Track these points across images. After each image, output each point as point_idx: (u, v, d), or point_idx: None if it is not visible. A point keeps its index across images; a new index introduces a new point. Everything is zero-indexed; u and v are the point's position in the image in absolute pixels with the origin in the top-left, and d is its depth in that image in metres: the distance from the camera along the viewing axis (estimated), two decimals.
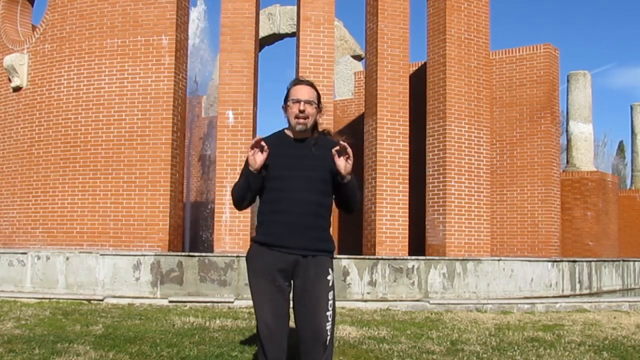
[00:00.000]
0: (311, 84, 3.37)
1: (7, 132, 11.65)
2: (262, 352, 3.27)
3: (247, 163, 3.30)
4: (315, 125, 3.38)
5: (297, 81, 3.39)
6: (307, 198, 3.24)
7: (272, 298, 3.25)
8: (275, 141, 3.35)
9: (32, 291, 8.91)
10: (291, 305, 3.34)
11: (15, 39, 12.05)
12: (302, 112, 3.27)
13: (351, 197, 3.33)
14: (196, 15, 15.02)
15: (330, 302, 3.26)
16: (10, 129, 11.60)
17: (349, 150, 3.15)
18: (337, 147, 3.15)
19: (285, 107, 3.34)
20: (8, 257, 9.31)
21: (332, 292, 3.28)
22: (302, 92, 3.29)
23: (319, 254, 3.28)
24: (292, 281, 3.31)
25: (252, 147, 3.20)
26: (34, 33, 11.60)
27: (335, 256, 3.44)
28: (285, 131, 3.41)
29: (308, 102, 3.28)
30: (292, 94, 3.31)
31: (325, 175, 3.27)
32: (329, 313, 3.24)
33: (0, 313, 6.89)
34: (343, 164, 3.18)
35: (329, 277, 3.29)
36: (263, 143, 3.19)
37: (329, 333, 3.23)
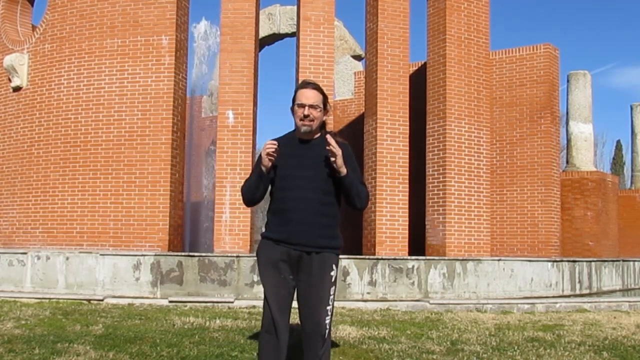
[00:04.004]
0: (317, 87, 3.48)
1: (7, 132, 11.65)
2: (265, 343, 3.41)
3: (259, 161, 3.46)
4: (323, 125, 3.53)
5: (303, 84, 3.51)
6: (310, 196, 3.39)
7: (276, 290, 3.41)
8: (285, 141, 3.50)
9: (32, 291, 8.91)
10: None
11: (15, 39, 12.05)
12: (306, 116, 3.41)
13: (351, 191, 3.43)
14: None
15: (332, 297, 3.42)
16: (10, 129, 11.59)
17: (333, 147, 3.29)
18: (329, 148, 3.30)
19: (293, 109, 3.48)
20: (8, 257, 9.31)
21: (333, 287, 3.44)
22: (307, 96, 3.42)
23: (323, 251, 3.42)
24: (296, 275, 3.44)
25: (268, 153, 3.31)
26: (34, 33, 11.59)
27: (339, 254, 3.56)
28: (295, 132, 3.56)
29: (312, 106, 3.42)
30: (298, 98, 3.44)
31: (328, 174, 3.40)
32: (329, 307, 3.40)
33: (0, 313, 6.90)
34: (332, 162, 3.33)
35: (332, 273, 3.43)
36: (274, 151, 3.32)
37: (327, 327, 3.38)
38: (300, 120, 3.42)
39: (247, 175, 3.67)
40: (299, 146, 3.48)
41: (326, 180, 3.39)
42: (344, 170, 3.36)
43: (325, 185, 3.40)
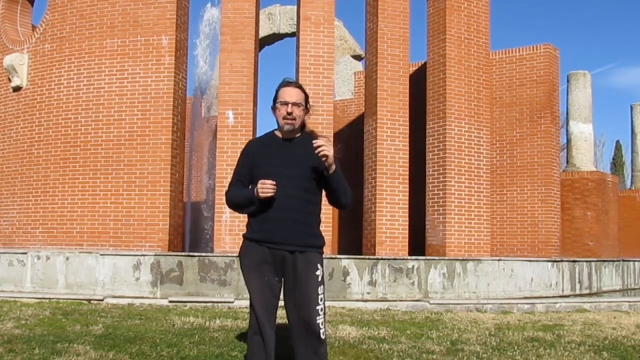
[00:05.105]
0: (299, 86, 3.49)
1: (7, 132, 11.65)
2: (253, 345, 3.39)
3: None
4: (302, 125, 3.51)
5: (286, 83, 3.49)
6: (293, 194, 3.36)
7: (261, 293, 3.38)
8: (265, 140, 3.53)
9: (32, 291, 8.91)
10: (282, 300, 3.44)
11: (15, 39, 12.04)
12: (289, 114, 3.39)
13: (338, 189, 3.42)
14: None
15: (321, 296, 3.36)
16: (10, 129, 11.59)
17: (323, 146, 3.25)
18: (315, 145, 3.27)
19: (274, 108, 3.47)
20: (8, 257, 9.31)
21: (322, 286, 3.39)
22: (290, 94, 3.41)
23: (307, 250, 3.39)
24: (282, 277, 3.42)
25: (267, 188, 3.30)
26: (34, 33, 11.59)
27: (328, 254, 3.54)
28: (275, 131, 3.55)
29: (295, 104, 3.41)
30: (281, 96, 3.43)
31: (311, 172, 3.38)
32: (320, 307, 3.34)
33: (0, 313, 6.89)
34: (324, 161, 3.29)
35: (318, 272, 3.39)
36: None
37: (321, 326, 3.32)
38: (283, 118, 3.41)
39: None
40: (281, 145, 3.46)
41: (309, 178, 3.37)
42: (334, 168, 3.34)
43: (308, 183, 3.38)
